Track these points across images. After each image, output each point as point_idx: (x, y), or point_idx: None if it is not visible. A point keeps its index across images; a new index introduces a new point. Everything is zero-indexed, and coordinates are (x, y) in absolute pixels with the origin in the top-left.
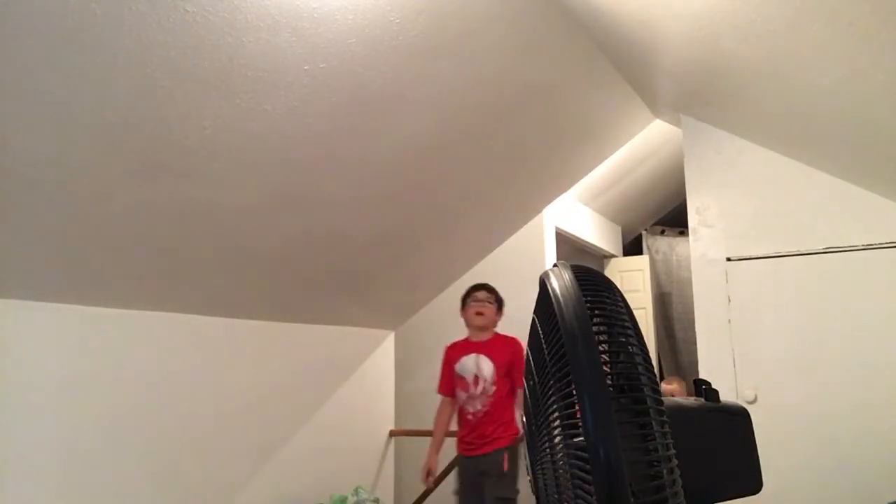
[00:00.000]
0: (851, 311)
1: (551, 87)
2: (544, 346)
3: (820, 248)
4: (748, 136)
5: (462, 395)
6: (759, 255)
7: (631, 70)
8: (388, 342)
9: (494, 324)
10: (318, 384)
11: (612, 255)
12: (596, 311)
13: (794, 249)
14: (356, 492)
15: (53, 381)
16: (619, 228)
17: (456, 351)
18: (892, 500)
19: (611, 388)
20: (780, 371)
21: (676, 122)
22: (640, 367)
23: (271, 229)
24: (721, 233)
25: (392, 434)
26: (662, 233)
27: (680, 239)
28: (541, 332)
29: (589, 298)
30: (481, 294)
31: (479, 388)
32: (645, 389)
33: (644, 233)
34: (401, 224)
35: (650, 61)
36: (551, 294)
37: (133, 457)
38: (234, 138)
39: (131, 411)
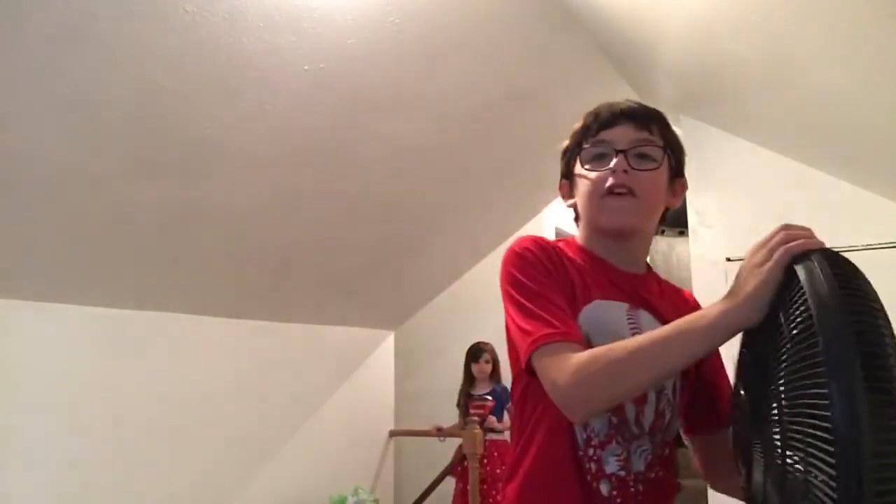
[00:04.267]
0: None
1: (551, 86)
2: (783, 329)
3: None
4: (748, 137)
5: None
6: None
7: (631, 70)
8: (388, 342)
9: (653, 230)
10: (318, 384)
11: None
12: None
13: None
14: (356, 492)
15: (53, 381)
16: None
17: (573, 270)
18: None
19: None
20: None
21: (676, 122)
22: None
23: (271, 229)
24: (721, 233)
25: (392, 434)
26: (662, 233)
27: (680, 239)
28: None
29: (843, 287)
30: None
31: (651, 412)
32: None
33: None
34: (400, 224)
35: (650, 61)
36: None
37: (132, 456)
38: (234, 138)
39: (130, 411)
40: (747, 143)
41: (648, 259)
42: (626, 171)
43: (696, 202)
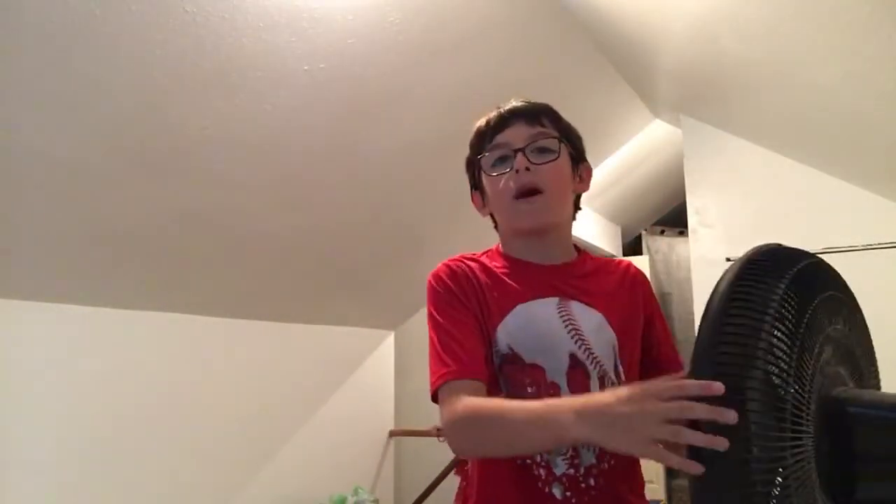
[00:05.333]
0: None
1: (551, 86)
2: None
3: (820, 248)
4: (748, 137)
5: None
6: None
7: (631, 70)
8: (388, 342)
9: (569, 218)
10: (318, 384)
11: (612, 256)
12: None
13: None
14: (356, 492)
15: (53, 382)
16: (619, 228)
17: (490, 285)
18: None
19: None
20: None
21: (676, 122)
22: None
23: (271, 229)
24: (721, 233)
25: (392, 434)
26: (662, 233)
27: (680, 239)
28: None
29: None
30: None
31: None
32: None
33: (644, 233)
34: (400, 223)
35: (650, 61)
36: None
37: (132, 457)
38: (234, 138)
39: (130, 411)
40: (747, 142)
41: (648, 259)
42: (528, 169)
43: (696, 202)
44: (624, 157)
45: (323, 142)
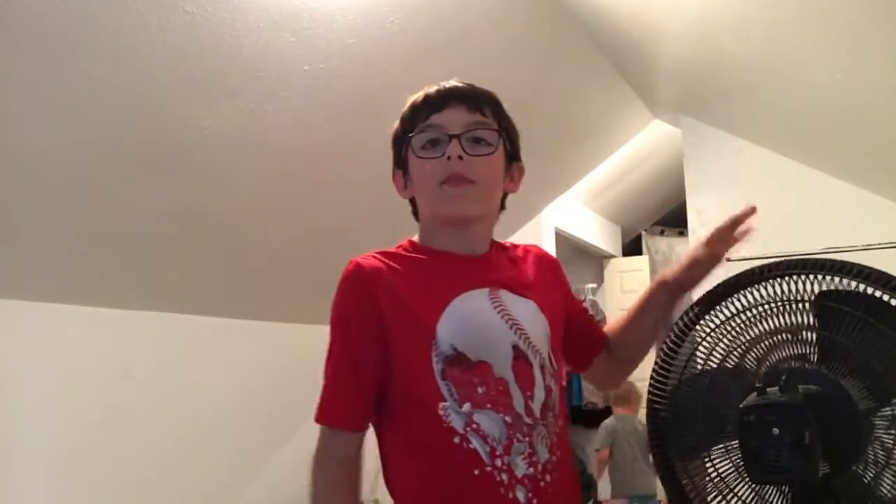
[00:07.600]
0: None
1: (551, 87)
2: None
3: (820, 248)
4: (748, 137)
5: (490, 421)
6: (759, 256)
7: (631, 70)
8: None
9: (495, 215)
10: (318, 384)
11: (612, 256)
12: None
13: (793, 250)
14: None
15: (52, 382)
16: (619, 228)
17: (415, 284)
18: None
19: None
20: None
21: (676, 123)
22: None
23: (271, 229)
24: None
25: None
26: (662, 233)
27: (680, 239)
28: None
29: None
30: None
31: (541, 392)
32: None
33: (643, 233)
34: (401, 223)
35: (650, 61)
36: None
37: (131, 457)
38: (234, 138)
39: (130, 412)
40: (747, 142)
41: (648, 259)
42: (461, 157)
43: (696, 202)
44: (624, 157)
45: (323, 142)
